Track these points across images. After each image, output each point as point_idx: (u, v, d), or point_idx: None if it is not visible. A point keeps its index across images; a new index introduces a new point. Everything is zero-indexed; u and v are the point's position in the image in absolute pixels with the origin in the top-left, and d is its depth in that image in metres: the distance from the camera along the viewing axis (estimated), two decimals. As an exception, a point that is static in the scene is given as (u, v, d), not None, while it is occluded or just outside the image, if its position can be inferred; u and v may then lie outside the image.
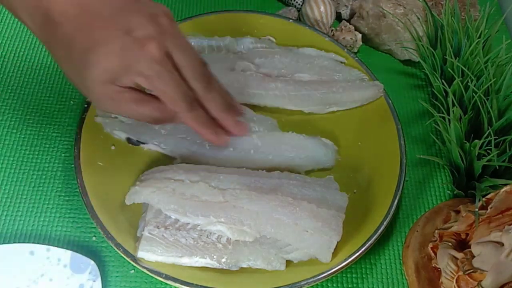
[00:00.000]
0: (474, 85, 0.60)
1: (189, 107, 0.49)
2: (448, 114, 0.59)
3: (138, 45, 0.45)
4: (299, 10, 0.75)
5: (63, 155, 0.60)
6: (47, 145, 0.60)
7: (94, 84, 0.46)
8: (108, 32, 0.45)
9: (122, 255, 0.51)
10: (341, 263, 0.51)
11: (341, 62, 0.67)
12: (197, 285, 0.49)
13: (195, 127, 0.51)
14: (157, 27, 0.46)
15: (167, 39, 0.47)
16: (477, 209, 0.50)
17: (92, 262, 0.51)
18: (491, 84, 0.59)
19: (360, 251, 0.52)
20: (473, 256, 0.49)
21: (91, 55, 0.45)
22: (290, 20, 0.70)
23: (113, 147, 0.58)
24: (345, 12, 0.76)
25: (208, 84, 0.50)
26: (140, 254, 0.50)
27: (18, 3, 0.46)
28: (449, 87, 0.61)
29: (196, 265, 0.51)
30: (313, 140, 0.59)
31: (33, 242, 0.54)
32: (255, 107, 0.62)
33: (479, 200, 0.51)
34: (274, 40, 0.69)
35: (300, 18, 0.74)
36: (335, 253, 0.51)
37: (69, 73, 0.48)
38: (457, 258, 0.50)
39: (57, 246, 0.52)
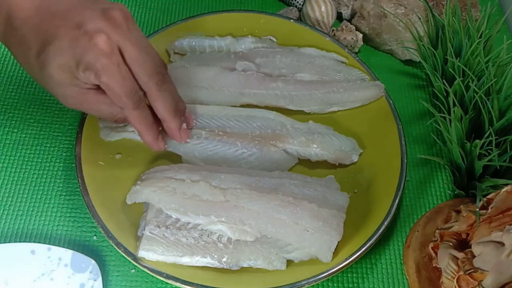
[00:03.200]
0: (475, 85, 0.60)
1: (134, 104, 0.48)
2: (449, 114, 0.59)
3: (86, 38, 0.44)
4: (300, 10, 0.75)
5: (64, 154, 0.60)
6: (48, 145, 0.60)
7: (55, 84, 0.46)
8: (60, 30, 0.45)
9: (123, 254, 0.51)
10: (342, 263, 0.51)
11: (342, 62, 0.67)
12: (197, 284, 0.49)
13: (137, 127, 0.51)
14: (108, 21, 0.45)
15: (118, 33, 0.46)
16: (477, 209, 0.50)
17: (93, 261, 0.51)
18: (492, 84, 0.59)
19: (361, 251, 0.52)
20: (474, 256, 0.49)
21: (45, 55, 0.44)
22: (291, 20, 0.70)
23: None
24: (346, 12, 0.76)
25: (160, 82, 0.49)
26: (141, 253, 0.50)
27: None
28: (450, 87, 0.61)
29: (197, 264, 0.51)
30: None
31: (34, 242, 0.54)
32: (256, 107, 0.62)
33: (480, 200, 0.51)
34: (275, 40, 0.69)
35: (301, 18, 0.74)
36: (335, 253, 0.51)
37: (34, 76, 0.47)
38: (457, 258, 0.50)
39: (58, 246, 0.52)
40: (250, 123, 0.60)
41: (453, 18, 0.67)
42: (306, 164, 0.60)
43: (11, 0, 0.46)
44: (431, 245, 0.54)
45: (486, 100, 0.59)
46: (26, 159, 0.59)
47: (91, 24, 0.45)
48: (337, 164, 0.59)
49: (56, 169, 0.59)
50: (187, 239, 0.51)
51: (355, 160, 0.59)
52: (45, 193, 0.57)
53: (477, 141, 0.56)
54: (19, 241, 0.54)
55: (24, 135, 0.61)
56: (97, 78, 0.46)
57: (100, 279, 0.51)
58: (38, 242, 0.53)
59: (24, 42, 0.45)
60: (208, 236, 0.52)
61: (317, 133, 0.60)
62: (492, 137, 0.56)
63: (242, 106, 0.62)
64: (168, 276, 0.50)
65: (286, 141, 0.59)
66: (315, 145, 0.58)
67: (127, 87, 0.47)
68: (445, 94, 0.63)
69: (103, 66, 0.45)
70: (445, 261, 0.51)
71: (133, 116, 0.49)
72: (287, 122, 0.60)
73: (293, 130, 0.60)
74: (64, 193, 0.57)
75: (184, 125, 0.55)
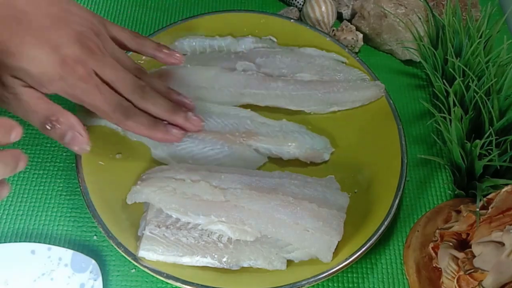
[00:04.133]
0: (475, 85, 0.60)
1: (123, 116, 0.50)
2: (449, 114, 0.59)
3: (65, 65, 0.47)
4: (300, 10, 0.75)
5: (64, 154, 0.60)
6: (48, 144, 0.60)
7: (6, 78, 0.47)
8: (37, 43, 0.46)
9: (123, 254, 0.51)
10: (342, 263, 0.51)
11: (342, 62, 0.67)
12: (198, 284, 0.49)
13: (138, 132, 0.53)
14: (83, 48, 0.48)
15: (94, 59, 0.49)
16: (478, 209, 0.50)
17: (93, 261, 0.51)
18: (492, 84, 0.59)
19: (361, 251, 0.52)
20: (474, 256, 0.49)
21: (13, 57, 0.46)
22: (291, 20, 0.70)
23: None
24: (346, 12, 0.76)
25: (142, 94, 0.52)
26: (141, 253, 0.50)
27: None
28: (450, 87, 0.61)
29: (197, 264, 0.51)
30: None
31: (34, 241, 0.54)
32: (256, 107, 0.62)
33: (480, 200, 0.51)
34: (275, 40, 0.69)
35: (301, 18, 0.74)
36: (336, 253, 0.51)
37: None
38: (458, 258, 0.50)
39: (58, 245, 0.52)
40: (222, 120, 0.60)
41: (454, 18, 0.67)
42: (277, 163, 0.59)
43: None
44: (431, 245, 0.54)
45: (486, 100, 0.59)
46: (26, 159, 0.59)
47: (68, 50, 0.47)
48: (308, 163, 0.59)
49: (56, 169, 0.59)
50: (187, 239, 0.51)
51: (327, 159, 0.60)
52: (45, 193, 0.57)
53: (477, 141, 0.56)
54: (19, 241, 0.54)
55: (24, 135, 0.61)
56: (80, 101, 0.49)
57: (100, 279, 0.51)
58: (38, 242, 0.53)
59: None
60: (208, 236, 0.52)
61: (289, 131, 0.60)
62: (492, 137, 0.56)
63: (243, 106, 0.62)
64: (168, 276, 0.50)
65: (258, 139, 0.59)
66: (288, 143, 0.58)
67: (111, 103, 0.50)
68: (445, 94, 0.63)
69: (83, 90, 0.48)
70: (445, 261, 0.51)
71: (129, 126, 0.52)
72: (259, 120, 0.60)
73: (266, 128, 0.60)
74: (64, 193, 0.57)
75: (190, 113, 0.56)
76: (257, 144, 0.59)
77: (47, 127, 0.48)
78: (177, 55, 0.58)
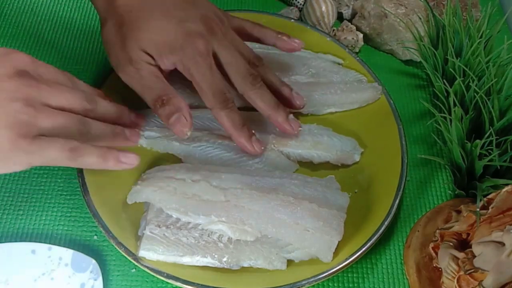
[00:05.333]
0: (476, 85, 0.60)
1: (221, 105, 0.52)
2: (450, 114, 0.59)
3: (187, 36, 0.51)
4: (300, 10, 0.75)
5: (64, 154, 0.60)
6: (49, 144, 0.60)
7: (133, 52, 0.51)
8: (164, 17, 0.51)
9: (124, 254, 0.51)
10: (342, 263, 0.51)
11: (339, 64, 0.67)
12: (198, 284, 0.50)
13: (227, 126, 0.54)
14: (206, 27, 0.52)
15: (215, 39, 0.52)
16: (478, 209, 0.50)
17: (93, 261, 0.51)
18: (492, 84, 0.59)
19: (361, 251, 0.52)
20: (474, 256, 0.49)
21: (142, 30, 0.51)
22: (292, 20, 0.70)
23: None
24: (346, 12, 0.76)
25: (253, 82, 0.54)
26: (141, 253, 0.50)
27: None
28: (451, 87, 0.61)
29: (197, 264, 0.51)
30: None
31: (34, 241, 0.54)
32: (254, 110, 0.62)
33: (480, 200, 0.51)
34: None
35: (302, 18, 0.74)
36: (336, 253, 0.51)
37: (113, 40, 0.52)
38: (458, 258, 0.50)
39: (59, 245, 0.52)
40: (251, 126, 0.59)
41: (454, 18, 0.67)
42: (308, 166, 0.59)
43: None
44: (431, 245, 0.54)
45: (487, 100, 0.59)
46: (27, 159, 0.59)
47: (193, 25, 0.52)
48: (339, 165, 0.59)
49: (56, 168, 0.59)
50: (187, 238, 0.51)
51: (357, 160, 0.59)
52: (46, 192, 0.57)
53: (477, 141, 0.56)
54: (20, 241, 0.54)
55: (24, 135, 0.61)
56: (187, 73, 0.52)
57: (100, 279, 0.51)
58: (39, 242, 0.53)
59: (126, 12, 0.52)
60: (208, 236, 0.52)
61: (318, 135, 0.59)
62: (492, 137, 0.56)
63: (239, 109, 0.61)
64: (169, 276, 0.50)
65: (288, 144, 0.58)
66: (318, 147, 0.58)
67: (216, 88, 0.52)
68: (445, 94, 0.63)
69: (197, 65, 0.51)
70: (446, 261, 0.51)
71: (220, 116, 0.53)
72: None
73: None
74: (65, 193, 0.57)
75: (291, 116, 0.57)
76: (288, 149, 0.58)
77: (158, 104, 0.51)
78: (296, 40, 0.60)
